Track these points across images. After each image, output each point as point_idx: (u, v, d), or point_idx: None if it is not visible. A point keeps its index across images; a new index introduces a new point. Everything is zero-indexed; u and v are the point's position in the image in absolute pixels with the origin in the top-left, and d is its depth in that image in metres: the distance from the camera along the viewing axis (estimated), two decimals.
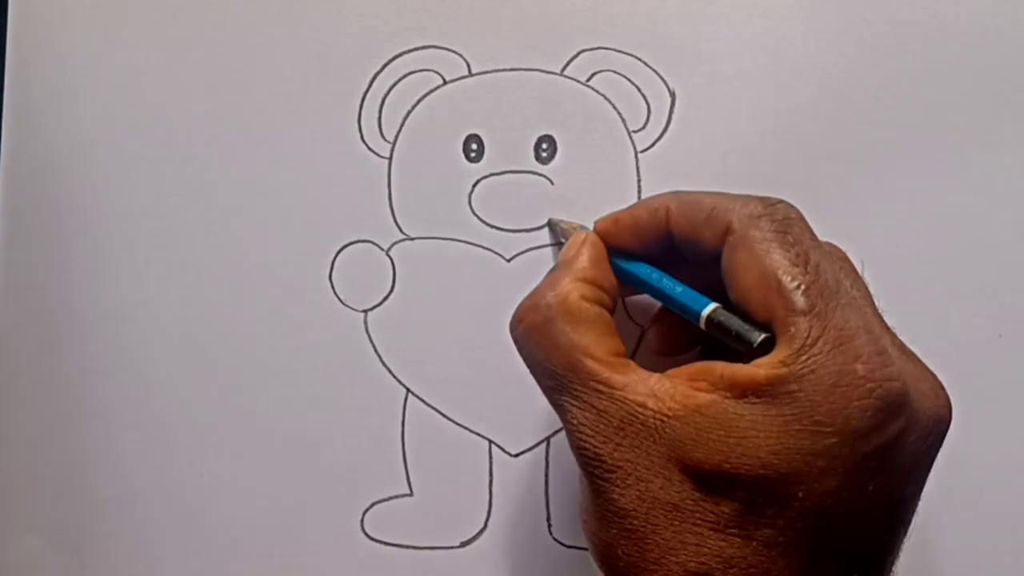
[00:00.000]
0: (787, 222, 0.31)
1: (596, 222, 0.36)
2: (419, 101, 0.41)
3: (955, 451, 0.41)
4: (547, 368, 0.32)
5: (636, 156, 0.41)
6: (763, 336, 0.30)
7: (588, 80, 0.41)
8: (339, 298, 0.41)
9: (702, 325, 0.32)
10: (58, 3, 0.41)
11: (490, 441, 0.41)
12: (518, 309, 0.34)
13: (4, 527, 0.41)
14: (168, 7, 0.41)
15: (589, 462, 0.31)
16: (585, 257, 0.34)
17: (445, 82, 0.41)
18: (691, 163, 0.41)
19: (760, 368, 0.28)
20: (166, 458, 0.41)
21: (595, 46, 0.41)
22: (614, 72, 0.41)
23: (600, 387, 0.31)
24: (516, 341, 0.34)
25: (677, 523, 0.29)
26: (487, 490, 0.41)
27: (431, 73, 0.41)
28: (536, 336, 0.33)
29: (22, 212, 0.41)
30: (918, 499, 0.31)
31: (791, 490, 0.28)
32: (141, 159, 0.41)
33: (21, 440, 0.41)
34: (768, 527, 0.28)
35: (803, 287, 0.29)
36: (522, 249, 0.41)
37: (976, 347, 0.41)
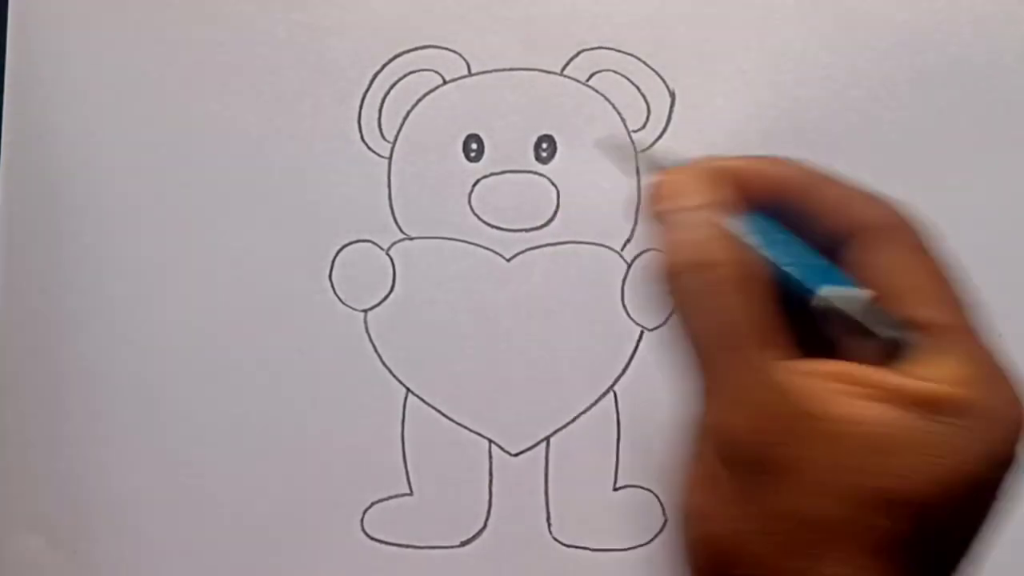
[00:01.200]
0: (933, 237, 0.29)
1: (706, 163, 0.30)
2: (419, 101, 0.41)
3: None
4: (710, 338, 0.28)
5: (636, 155, 0.41)
6: (913, 339, 0.27)
7: (588, 80, 0.41)
8: (339, 298, 0.41)
9: (857, 313, 0.29)
10: (58, 3, 0.41)
11: (490, 440, 0.41)
12: (668, 264, 0.28)
13: (4, 527, 0.41)
14: (167, 7, 0.41)
15: (742, 454, 0.27)
16: (724, 200, 0.29)
17: (445, 82, 0.41)
18: None
19: (942, 384, 0.26)
20: (166, 458, 0.41)
21: (595, 46, 0.41)
22: (614, 72, 0.41)
23: (766, 374, 0.27)
24: (672, 301, 0.28)
25: (831, 537, 0.27)
26: (487, 490, 0.41)
27: (431, 73, 0.41)
28: (704, 298, 0.28)
29: (22, 212, 0.41)
30: None
31: (957, 518, 0.27)
32: (141, 159, 0.41)
33: (21, 440, 0.41)
34: (930, 554, 0.27)
35: (970, 305, 0.28)
36: (522, 249, 0.41)
37: None
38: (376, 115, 0.41)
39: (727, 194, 0.29)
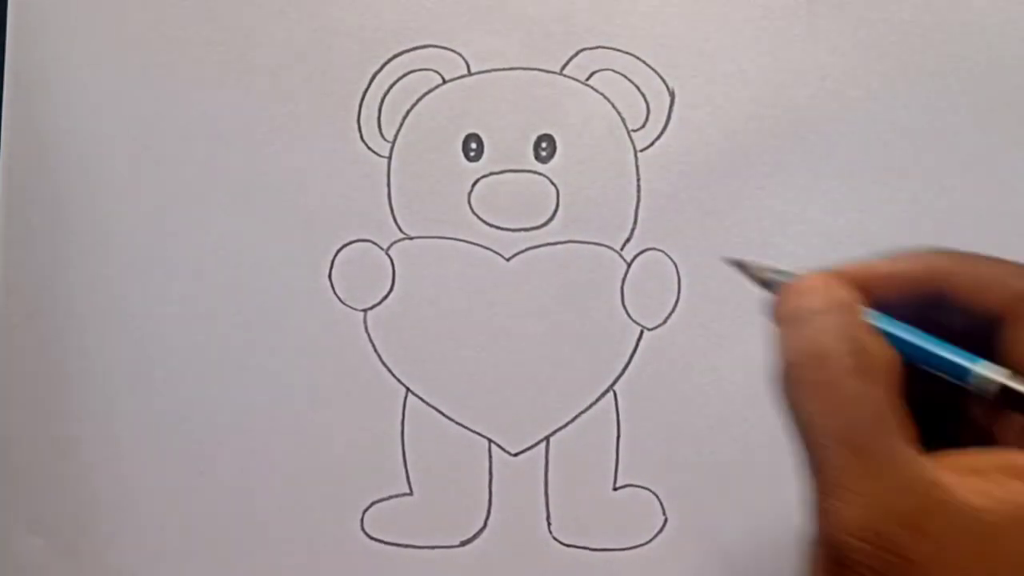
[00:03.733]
0: None
1: (832, 270, 0.29)
2: (419, 100, 0.41)
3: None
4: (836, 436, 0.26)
5: (636, 155, 0.41)
6: None
7: (588, 79, 0.41)
8: (339, 297, 0.41)
9: (994, 388, 0.27)
10: (58, 4, 0.41)
11: (490, 440, 0.41)
12: (786, 361, 0.27)
13: (4, 527, 0.41)
14: (167, 7, 0.41)
15: (870, 556, 0.25)
16: (849, 300, 0.27)
17: (444, 81, 0.41)
18: (690, 162, 0.41)
19: None
20: (166, 458, 0.41)
21: (594, 45, 0.41)
22: (614, 71, 0.41)
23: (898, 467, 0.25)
24: (789, 399, 0.27)
25: None
26: (487, 489, 0.41)
27: (430, 72, 0.41)
28: (821, 390, 0.26)
29: (22, 212, 0.41)
30: None
31: None
32: (141, 159, 0.41)
33: (21, 441, 0.41)
34: None
35: None
36: (521, 248, 0.41)
37: None
38: (375, 115, 0.41)
39: (853, 295, 0.27)
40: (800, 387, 0.26)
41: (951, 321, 0.29)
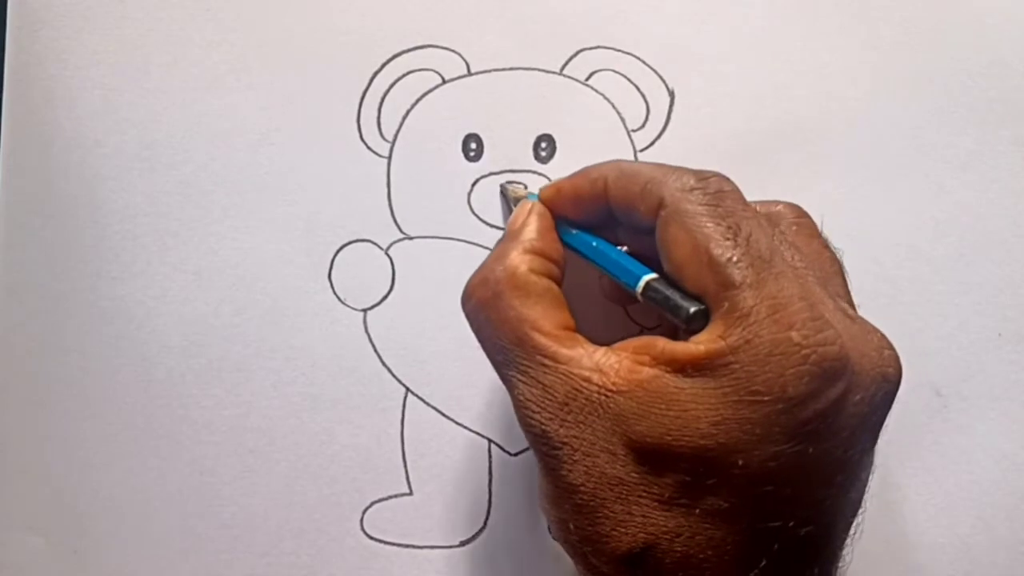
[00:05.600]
0: (719, 195, 0.31)
1: (541, 190, 0.36)
2: (418, 100, 0.41)
3: (955, 450, 0.41)
4: (496, 343, 0.32)
5: (635, 155, 0.41)
6: (696, 308, 0.30)
7: (587, 79, 0.41)
8: (339, 297, 0.41)
9: (638, 296, 0.32)
10: (58, 5, 0.41)
11: (490, 440, 0.41)
12: (468, 284, 0.34)
13: (4, 527, 0.41)
14: (167, 7, 0.41)
15: (537, 439, 0.31)
16: (532, 228, 0.35)
17: (444, 81, 0.41)
18: (690, 162, 0.40)
19: (699, 344, 0.29)
20: (166, 458, 0.41)
21: (594, 45, 0.41)
22: (613, 71, 0.41)
23: (546, 361, 0.31)
24: (467, 316, 0.34)
25: (624, 497, 0.29)
26: (487, 489, 0.41)
27: (430, 72, 0.41)
28: (485, 311, 0.33)
29: (22, 212, 0.41)
30: (869, 458, 0.31)
31: (730, 459, 0.28)
32: (141, 159, 0.41)
33: (21, 440, 0.41)
34: (711, 496, 0.28)
35: (734, 259, 0.29)
36: None
37: (976, 347, 0.41)
38: (375, 115, 0.41)
39: (544, 218, 0.35)
40: (472, 304, 0.33)
41: (627, 225, 0.34)
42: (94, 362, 0.41)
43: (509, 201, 0.40)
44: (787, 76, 0.41)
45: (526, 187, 0.40)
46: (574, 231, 0.35)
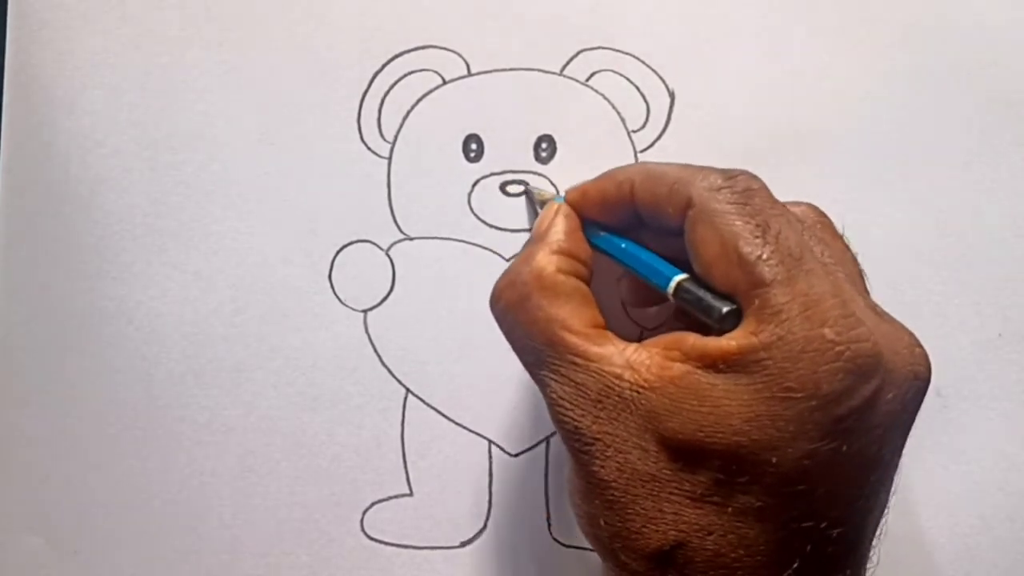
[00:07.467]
0: (748, 193, 0.31)
1: (566, 192, 0.36)
2: (419, 101, 0.41)
3: (955, 450, 0.41)
4: (526, 344, 0.32)
5: (636, 156, 0.41)
6: (728, 308, 0.30)
7: (587, 80, 0.41)
8: (339, 298, 0.41)
9: (670, 296, 0.32)
10: (58, 3, 0.41)
11: (490, 441, 0.41)
12: (496, 287, 0.34)
13: (4, 527, 0.41)
14: (167, 7, 0.41)
15: (570, 435, 0.31)
16: (559, 228, 0.35)
17: (445, 82, 0.41)
18: (690, 162, 0.41)
19: (732, 339, 0.29)
20: (166, 458, 0.41)
21: (594, 46, 0.41)
22: (613, 72, 0.41)
23: (577, 360, 0.31)
24: (496, 319, 0.34)
25: (655, 494, 0.29)
26: (487, 490, 0.41)
27: (430, 73, 0.41)
28: (514, 312, 0.33)
29: (22, 212, 0.41)
30: (898, 458, 0.31)
31: (764, 456, 0.28)
32: (141, 159, 0.41)
33: (21, 440, 0.41)
34: (743, 494, 0.28)
35: (764, 257, 0.29)
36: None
37: (976, 347, 0.41)
38: (376, 115, 0.41)
39: (571, 220, 0.35)
40: (501, 307, 0.34)
41: (655, 227, 0.34)
42: (94, 362, 0.41)
43: (535, 204, 0.40)
44: (787, 76, 0.41)
45: (556, 195, 0.39)
46: (602, 233, 0.35)
